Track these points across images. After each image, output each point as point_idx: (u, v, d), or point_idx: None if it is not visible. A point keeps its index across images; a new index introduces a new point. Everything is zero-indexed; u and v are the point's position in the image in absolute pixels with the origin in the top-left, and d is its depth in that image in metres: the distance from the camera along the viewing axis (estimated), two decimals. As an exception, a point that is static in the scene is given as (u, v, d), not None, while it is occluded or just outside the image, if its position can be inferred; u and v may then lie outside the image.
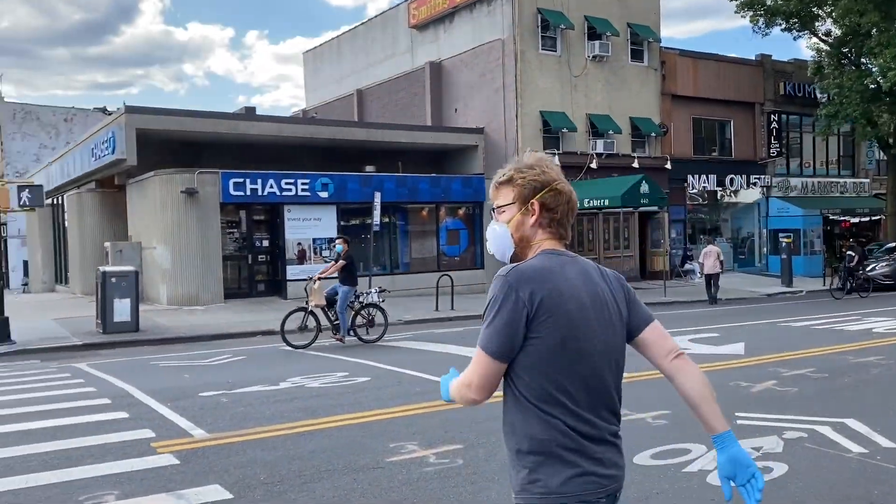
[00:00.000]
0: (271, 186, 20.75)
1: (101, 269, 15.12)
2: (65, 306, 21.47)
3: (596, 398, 2.16)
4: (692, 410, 2.25)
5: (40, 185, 14.36)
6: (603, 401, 2.17)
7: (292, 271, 21.29)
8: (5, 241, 47.18)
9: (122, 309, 15.10)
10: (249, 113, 23.17)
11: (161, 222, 20.06)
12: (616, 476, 2.17)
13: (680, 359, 2.26)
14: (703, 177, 29.21)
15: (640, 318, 2.28)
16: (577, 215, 2.32)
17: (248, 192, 20.49)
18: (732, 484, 2.18)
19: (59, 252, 31.09)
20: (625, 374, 2.29)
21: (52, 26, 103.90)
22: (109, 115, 23.28)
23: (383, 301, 14.17)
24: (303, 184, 21.23)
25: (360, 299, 13.92)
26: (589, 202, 23.12)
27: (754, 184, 30.74)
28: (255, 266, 21.40)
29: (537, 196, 2.22)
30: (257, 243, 21.42)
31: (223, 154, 22.52)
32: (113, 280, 15.00)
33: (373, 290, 14.35)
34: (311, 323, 13.46)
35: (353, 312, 13.67)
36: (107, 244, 21.52)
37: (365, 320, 13.82)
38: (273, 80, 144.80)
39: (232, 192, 20.26)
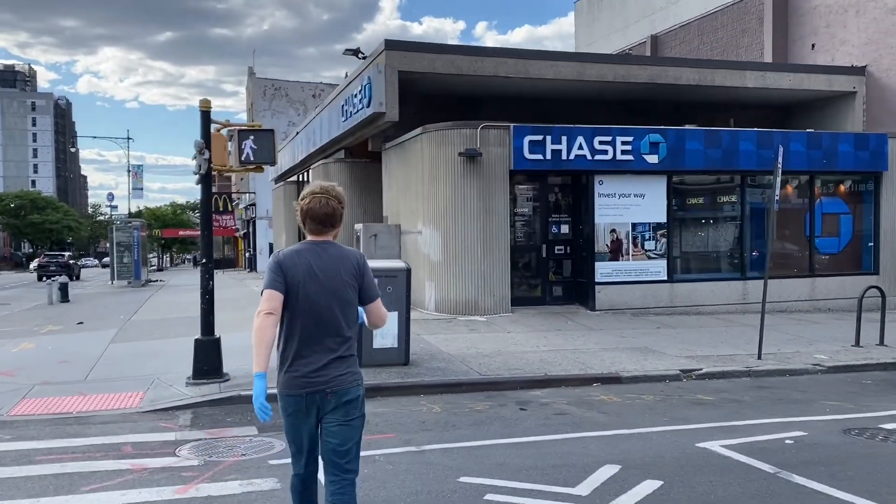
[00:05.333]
0: (580, 147, 14.32)
1: (357, 264, 9.56)
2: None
3: (324, 329, 3.53)
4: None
5: (270, 130, 9.04)
6: (329, 331, 3.53)
7: (603, 270, 14.76)
8: (253, 222, 46.26)
9: (386, 329, 9.47)
10: (539, 51, 17.00)
11: (430, 197, 14.49)
12: (324, 382, 3.50)
13: (375, 328, 3.89)
14: None
15: (370, 294, 3.70)
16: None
17: (549, 156, 14.23)
18: None
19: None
20: None
21: (303, 27, 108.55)
22: (365, 58, 18.33)
23: None
24: (623, 143, 14.55)
25: None
26: None
27: None
28: (551, 261, 15.15)
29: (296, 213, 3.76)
30: (553, 229, 15.14)
31: (498, 112, 16.53)
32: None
33: None
34: None
35: None
36: (358, 226, 16.51)
37: None
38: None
39: (527, 154, 14.13)
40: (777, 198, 10.91)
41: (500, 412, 7.70)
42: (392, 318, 9.57)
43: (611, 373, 9.59)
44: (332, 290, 3.52)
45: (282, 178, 30.86)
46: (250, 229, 46.99)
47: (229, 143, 9.33)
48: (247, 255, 48.37)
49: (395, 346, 9.64)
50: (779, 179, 10.85)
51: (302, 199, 3.66)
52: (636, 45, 27.00)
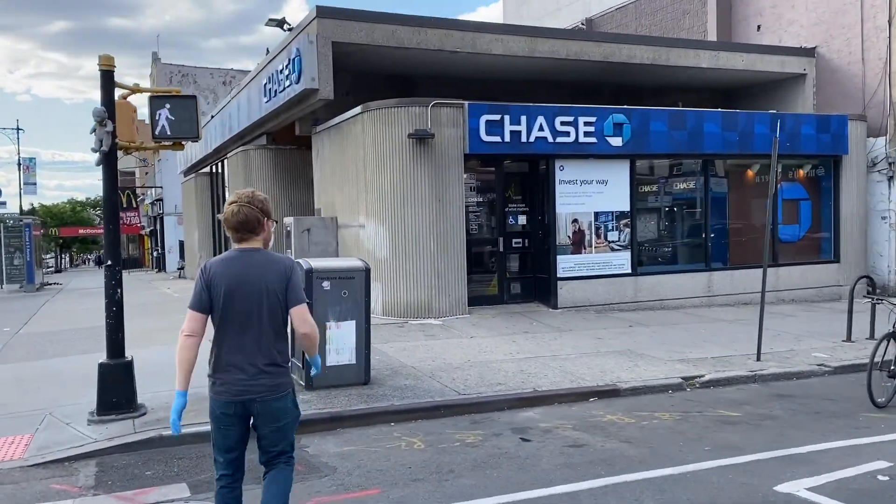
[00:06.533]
0: (541, 128, 12.94)
1: (307, 262, 7.75)
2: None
3: (252, 337, 3.54)
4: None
5: (192, 97, 7.22)
6: (258, 339, 3.55)
7: (565, 264, 13.46)
8: (161, 218, 42.98)
9: (341, 341, 7.79)
10: (488, 24, 15.50)
11: (373, 186, 12.79)
12: (256, 391, 3.53)
13: (303, 334, 3.62)
14: None
15: (292, 299, 3.59)
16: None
17: (507, 138, 12.78)
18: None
19: (218, 230, 25.16)
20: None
21: (209, 18, 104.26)
22: (290, 30, 16.36)
23: None
24: (586, 124, 13.26)
25: None
26: None
27: None
28: (509, 255, 13.72)
29: None
30: (511, 220, 13.71)
31: (438, 94, 14.89)
32: (325, 286, 7.67)
33: None
34: None
35: None
36: (288, 220, 14.61)
37: None
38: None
39: (484, 136, 12.63)
40: (777, 183, 9.78)
41: (499, 445, 6.16)
42: (349, 329, 7.91)
43: (606, 385, 8.21)
44: (258, 298, 3.56)
45: (192, 169, 28.29)
46: (157, 226, 43.69)
47: (135, 116, 7.42)
48: (154, 254, 44.99)
49: (353, 361, 7.95)
50: (775, 162, 9.71)
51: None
52: (569, 28, 25.93)
